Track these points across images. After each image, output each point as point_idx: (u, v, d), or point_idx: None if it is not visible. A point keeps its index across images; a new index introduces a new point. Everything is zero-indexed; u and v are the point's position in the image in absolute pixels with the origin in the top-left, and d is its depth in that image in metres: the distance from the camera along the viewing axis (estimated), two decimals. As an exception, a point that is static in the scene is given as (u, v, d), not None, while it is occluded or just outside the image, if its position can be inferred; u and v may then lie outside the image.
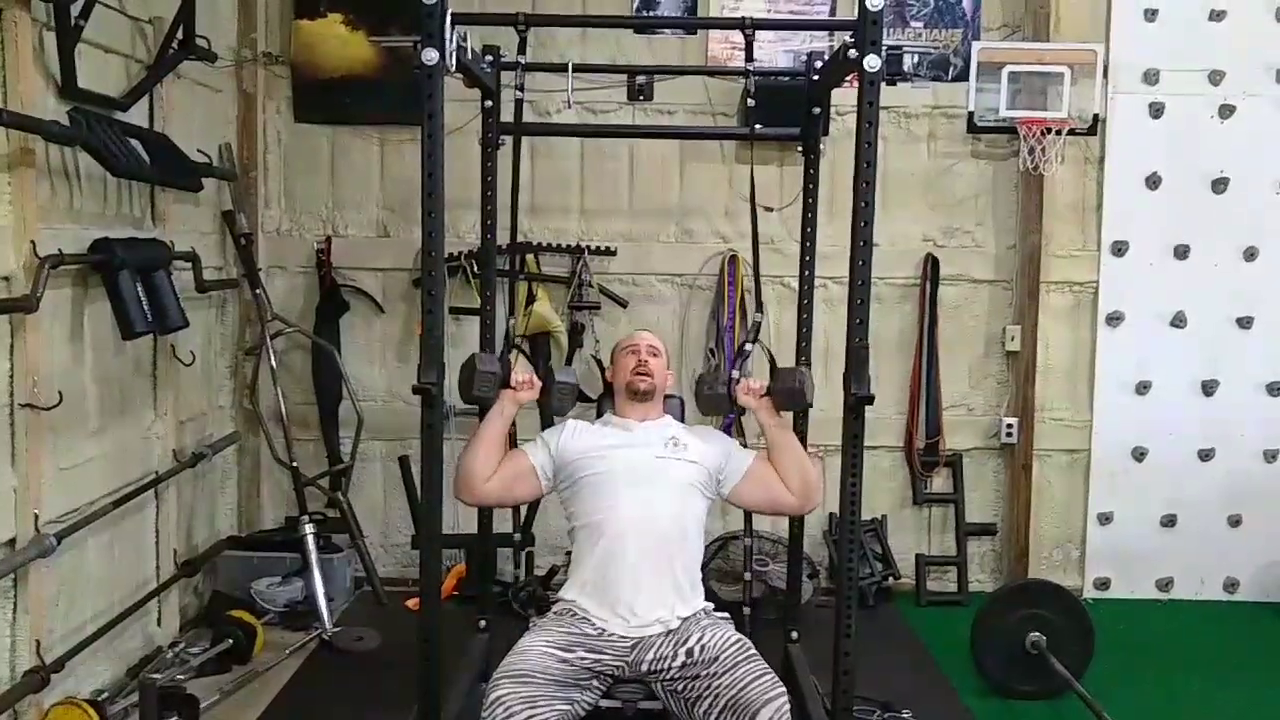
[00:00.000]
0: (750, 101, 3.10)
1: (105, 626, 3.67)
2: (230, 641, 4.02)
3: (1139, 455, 5.07)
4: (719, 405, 3.28)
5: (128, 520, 3.90)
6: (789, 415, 3.34)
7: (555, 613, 2.93)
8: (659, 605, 2.83)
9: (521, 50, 3.18)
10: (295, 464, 4.64)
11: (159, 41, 3.99)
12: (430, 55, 2.62)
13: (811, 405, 3.26)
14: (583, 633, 2.80)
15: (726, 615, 3.00)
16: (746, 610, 4.04)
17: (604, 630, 2.80)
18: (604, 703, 2.77)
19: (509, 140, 3.48)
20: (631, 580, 2.84)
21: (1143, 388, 5.05)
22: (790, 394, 3.14)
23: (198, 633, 4.30)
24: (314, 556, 4.45)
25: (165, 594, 4.17)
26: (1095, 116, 4.79)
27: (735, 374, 3.25)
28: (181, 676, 3.72)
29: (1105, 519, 5.11)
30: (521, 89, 3.26)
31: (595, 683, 2.75)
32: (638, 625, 2.81)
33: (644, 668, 2.77)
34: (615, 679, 2.79)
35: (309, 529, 4.51)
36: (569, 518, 3.07)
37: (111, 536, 3.79)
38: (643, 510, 2.91)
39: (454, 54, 2.68)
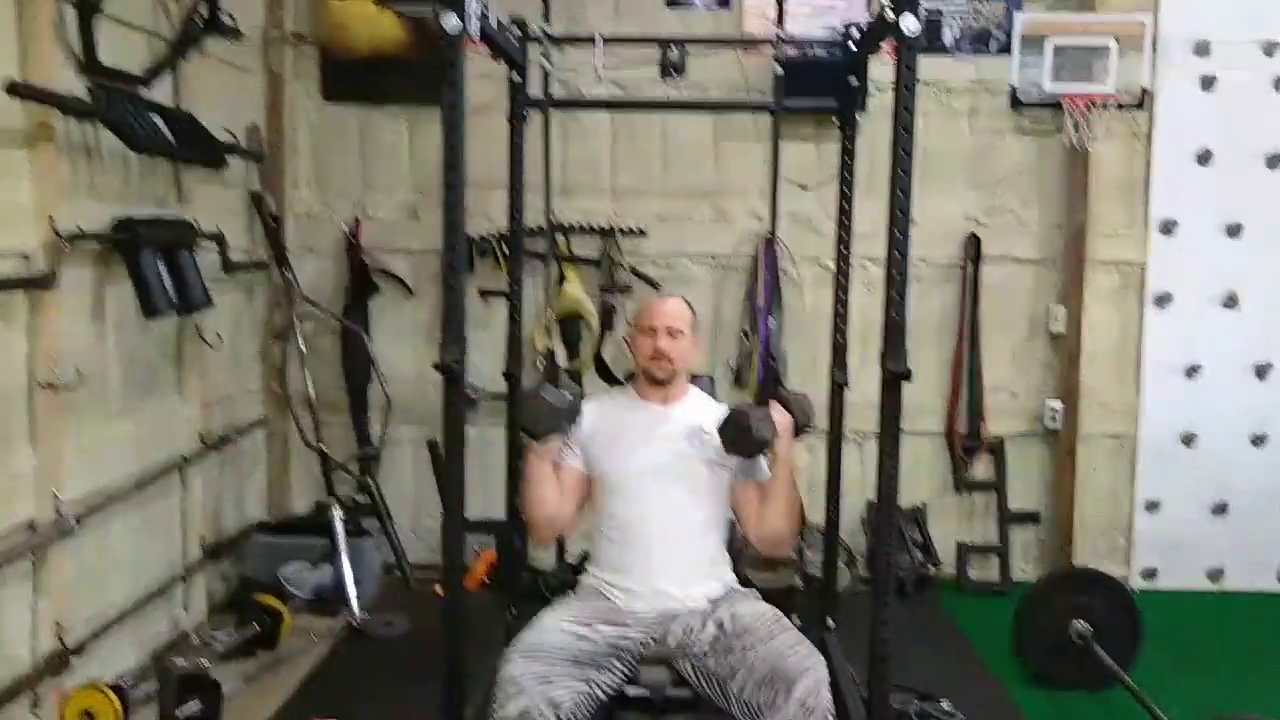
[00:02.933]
0: (779, 70, 2.98)
1: (129, 610, 3.65)
2: (257, 627, 3.98)
3: (1188, 440, 4.93)
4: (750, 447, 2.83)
5: (153, 504, 3.87)
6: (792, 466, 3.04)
7: (577, 591, 2.86)
8: (684, 590, 2.74)
9: (546, 16, 3.07)
10: (324, 448, 4.61)
11: (183, 18, 3.93)
12: (452, 22, 2.53)
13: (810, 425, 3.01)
14: (606, 607, 2.72)
15: (755, 591, 2.91)
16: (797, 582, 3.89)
17: (628, 606, 2.72)
18: (631, 690, 2.67)
19: (536, 116, 3.38)
20: (656, 572, 2.76)
21: (1192, 371, 4.90)
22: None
23: (224, 618, 4.27)
24: (343, 541, 4.43)
25: (192, 578, 4.15)
26: (1143, 90, 4.66)
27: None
28: (206, 662, 3.68)
29: (1153, 506, 4.97)
30: (549, 59, 3.15)
31: (617, 662, 2.63)
32: (662, 603, 2.72)
33: (671, 642, 2.65)
34: (639, 659, 2.67)
35: (338, 514, 4.47)
36: (591, 505, 2.97)
37: (137, 519, 3.76)
38: (666, 510, 2.81)
39: (476, 20, 2.60)
